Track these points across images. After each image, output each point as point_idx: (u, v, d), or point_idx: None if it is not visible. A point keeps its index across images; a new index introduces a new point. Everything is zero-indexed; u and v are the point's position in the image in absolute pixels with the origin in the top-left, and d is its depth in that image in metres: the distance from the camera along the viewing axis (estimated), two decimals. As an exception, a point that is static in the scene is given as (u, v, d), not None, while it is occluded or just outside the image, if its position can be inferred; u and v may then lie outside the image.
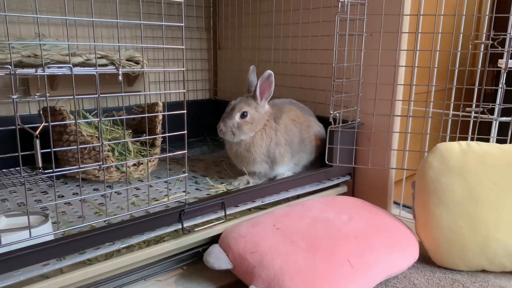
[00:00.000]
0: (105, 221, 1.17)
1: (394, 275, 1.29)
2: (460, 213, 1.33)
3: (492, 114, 1.49)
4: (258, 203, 1.45)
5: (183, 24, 1.08)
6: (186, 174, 1.20)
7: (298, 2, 1.92)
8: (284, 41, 2.03)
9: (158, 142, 1.73)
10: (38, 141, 0.89)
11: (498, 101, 1.46)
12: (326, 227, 1.30)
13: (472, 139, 1.51)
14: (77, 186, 1.62)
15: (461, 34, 1.44)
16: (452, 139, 1.54)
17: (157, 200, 1.47)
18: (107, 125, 1.73)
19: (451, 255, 1.35)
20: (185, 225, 1.24)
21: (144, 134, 1.78)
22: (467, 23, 1.46)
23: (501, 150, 1.36)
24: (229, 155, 1.68)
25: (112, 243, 1.11)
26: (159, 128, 1.72)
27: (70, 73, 0.92)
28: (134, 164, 1.64)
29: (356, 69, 1.60)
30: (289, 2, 1.96)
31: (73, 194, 1.55)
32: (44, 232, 1.05)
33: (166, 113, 1.14)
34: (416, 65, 1.48)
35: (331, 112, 1.56)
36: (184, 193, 1.22)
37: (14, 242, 0.93)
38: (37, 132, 0.89)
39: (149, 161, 1.69)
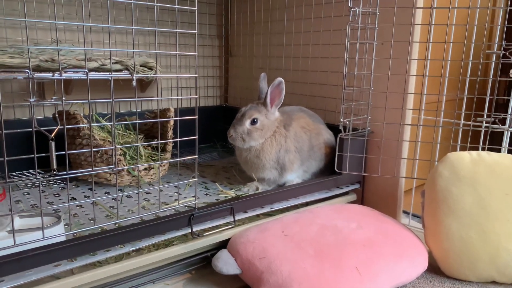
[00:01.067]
0: (115, 223, 1.18)
1: (402, 284, 1.28)
2: (470, 223, 1.32)
3: (504, 124, 1.49)
4: (267, 209, 1.45)
5: (196, 31, 1.10)
6: (196, 179, 1.21)
7: (309, 11, 1.94)
8: (295, 49, 2.05)
9: (169, 147, 1.75)
10: (53, 144, 0.91)
11: (510, 111, 1.45)
12: (334, 235, 1.30)
13: (483, 149, 1.50)
14: (89, 189, 1.64)
15: (473, 44, 1.44)
16: (463, 148, 1.53)
17: (167, 204, 1.48)
18: (119, 130, 1.75)
19: (461, 266, 1.33)
20: (194, 229, 1.25)
21: (156, 139, 1.80)
22: (479, 33, 1.46)
23: (511, 160, 1.35)
24: (238, 161, 1.70)
25: (122, 246, 1.13)
26: (170, 133, 1.74)
27: (86, 77, 0.95)
28: (145, 169, 1.67)
29: (367, 77, 1.61)
30: (301, 10, 1.98)
31: (85, 197, 1.57)
32: (57, 233, 1.07)
33: (178, 118, 1.16)
34: (427, 74, 1.48)
35: (341, 120, 1.57)
36: (194, 198, 1.23)
37: (27, 242, 0.95)
38: (52, 135, 0.91)
39: (160, 165, 1.71)
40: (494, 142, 1.51)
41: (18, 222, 1.13)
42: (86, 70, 0.93)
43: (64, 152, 0.93)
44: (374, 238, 1.31)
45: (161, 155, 1.75)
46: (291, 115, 1.69)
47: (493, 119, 1.46)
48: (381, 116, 1.58)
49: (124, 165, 1.55)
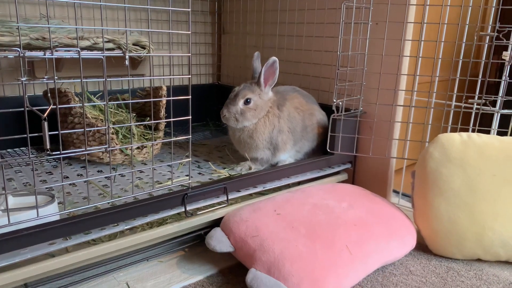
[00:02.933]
0: (109, 202, 1.19)
1: (390, 262, 1.32)
2: (458, 204, 1.35)
3: (494, 106, 1.50)
4: (259, 188, 1.47)
5: (189, 9, 1.08)
6: (190, 159, 1.22)
7: (304, -11, 1.91)
8: (289, 27, 2.03)
9: (162, 126, 1.75)
10: (46, 124, 0.90)
11: (500, 93, 1.47)
12: (326, 214, 1.33)
13: (473, 131, 1.52)
14: (82, 167, 1.64)
15: (467, 26, 1.44)
16: (454, 130, 1.55)
17: (161, 183, 1.49)
18: (111, 108, 1.74)
19: (448, 245, 1.37)
20: (188, 208, 1.26)
21: (148, 118, 1.79)
22: (473, 15, 1.46)
23: (501, 143, 1.37)
24: (232, 140, 1.70)
25: (116, 225, 1.14)
26: (162, 112, 1.73)
27: (78, 56, 0.93)
28: (138, 147, 1.66)
29: (361, 58, 1.61)
30: (295, -12, 1.95)
31: (78, 175, 1.57)
32: (51, 212, 1.07)
33: (171, 98, 1.15)
34: (420, 56, 1.48)
35: (334, 100, 1.57)
36: (187, 177, 1.23)
37: (22, 221, 0.96)
38: (45, 115, 0.90)
39: (152, 146, 1.70)
40: (484, 124, 1.53)
41: (12, 201, 1.13)
42: (79, 49, 0.92)
43: (57, 132, 0.92)
44: (365, 218, 1.33)
45: (154, 134, 1.74)
46: (284, 95, 1.69)
47: (483, 101, 1.48)
48: (374, 97, 1.59)
49: (116, 144, 1.55)
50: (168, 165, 1.61)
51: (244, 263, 1.22)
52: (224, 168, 1.69)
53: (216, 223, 1.35)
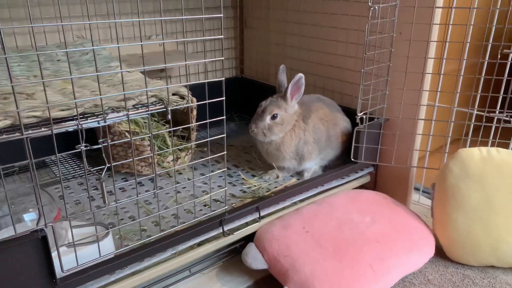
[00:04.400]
0: (155, 224, 1.32)
1: (410, 272, 1.44)
2: (475, 217, 1.44)
3: (515, 119, 1.55)
4: (288, 202, 1.59)
5: (221, 15, 1.12)
6: (226, 188, 1.33)
7: (327, -8, 1.92)
8: (312, 29, 2.05)
9: (194, 136, 1.85)
10: (104, 183, 1.02)
11: (521, 109, 1.51)
12: (351, 230, 1.45)
13: (493, 143, 1.58)
14: (123, 179, 1.78)
15: (490, 44, 1.46)
16: (474, 142, 1.61)
17: (197, 197, 1.62)
18: (145, 120, 1.85)
19: (464, 253, 1.49)
20: (225, 229, 1.40)
21: (181, 129, 1.89)
22: (496, 33, 1.47)
23: (519, 160, 1.44)
24: (260, 151, 1.80)
25: (165, 251, 1.29)
26: (193, 122, 1.83)
27: (127, 118, 1.03)
28: (173, 159, 1.78)
29: (384, 69, 1.65)
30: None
31: (120, 189, 1.71)
32: (107, 246, 1.22)
33: (206, 101, 1.19)
34: (442, 73, 1.52)
35: (358, 114, 1.64)
36: (222, 189, 1.34)
37: (89, 261, 1.11)
38: (102, 175, 1.02)
39: (187, 154, 1.82)
40: (504, 135, 1.59)
41: (72, 231, 1.28)
42: (127, 113, 1.02)
43: (109, 165, 1.04)
44: (387, 233, 1.45)
45: (185, 144, 1.85)
46: (309, 106, 1.76)
47: (505, 116, 1.52)
48: (397, 107, 1.65)
49: (155, 150, 1.66)
50: (205, 183, 1.73)
51: (278, 279, 1.37)
52: (254, 177, 1.81)
53: (250, 236, 1.49)
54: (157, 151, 1.78)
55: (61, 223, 1.26)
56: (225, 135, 1.28)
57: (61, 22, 0.84)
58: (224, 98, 1.21)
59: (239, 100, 2.58)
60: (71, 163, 1.96)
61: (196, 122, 1.71)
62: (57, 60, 1.53)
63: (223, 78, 1.20)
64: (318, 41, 2.02)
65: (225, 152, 1.29)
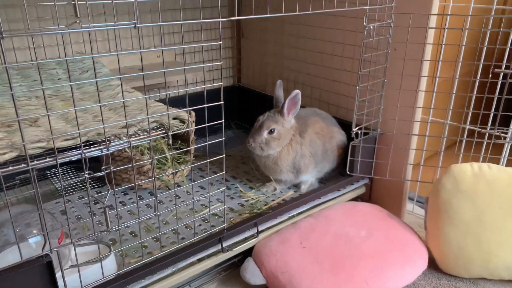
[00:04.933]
0: (156, 239, 1.36)
1: (404, 285, 1.49)
2: (467, 232, 1.49)
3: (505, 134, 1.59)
4: (285, 217, 1.63)
5: (220, 19, 1.13)
6: (225, 207, 1.37)
7: (323, 6, 1.94)
8: (309, 42, 2.08)
9: (192, 149, 1.88)
10: (107, 209, 1.05)
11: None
12: (346, 245, 1.49)
13: (484, 158, 1.63)
14: (122, 193, 1.81)
15: (481, 64, 1.50)
16: (466, 157, 1.66)
17: (196, 211, 1.65)
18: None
19: (456, 266, 1.53)
20: (224, 245, 1.44)
21: (179, 141, 1.92)
22: (488, 53, 1.51)
23: (508, 176, 1.48)
24: (258, 164, 1.84)
25: (166, 269, 1.32)
26: (192, 135, 1.86)
27: (129, 145, 1.07)
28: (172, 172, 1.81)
29: (379, 83, 1.68)
30: (316, 3, 1.98)
31: (120, 202, 1.74)
32: (110, 265, 1.26)
33: (205, 105, 1.19)
34: (435, 90, 1.56)
35: (353, 130, 1.68)
36: (223, 222, 1.38)
37: (92, 283, 1.14)
38: (105, 203, 1.05)
39: (186, 166, 1.85)
40: (495, 151, 1.63)
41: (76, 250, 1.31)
42: (129, 140, 1.05)
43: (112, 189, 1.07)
44: (382, 247, 1.49)
45: (184, 157, 1.88)
46: (306, 121, 1.79)
47: (497, 132, 1.57)
48: (391, 124, 1.69)
49: (155, 173, 1.70)
50: (204, 196, 1.76)
51: (275, 294, 1.41)
52: (252, 189, 1.84)
53: (249, 250, 1.53)
54: (156, 164, 1.81)
55: (65, 242, 1.29)
56: (223, 139, 1.28)
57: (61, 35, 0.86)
58: (222, 102, 1.22)
59: (236, 108, 2.61)
60: (71, 174, 1.98)
61: (195, 127, 1.72)
62: (58, 79, 1.55)
63: (222, 83, 1.22)
64: (315, 54, 2.05)
65: (223, 155, 1.29)
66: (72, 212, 1.67)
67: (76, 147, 1.04)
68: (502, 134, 1.58)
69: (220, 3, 1.16)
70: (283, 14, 1.27)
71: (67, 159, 0.99)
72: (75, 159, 0.99)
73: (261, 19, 2.31)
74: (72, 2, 0.84)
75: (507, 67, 1.46)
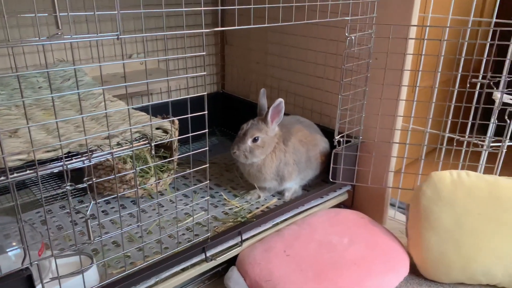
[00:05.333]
0: (139, 249, 1.35)
1: (386, 292, 1.51)
2: (447, 238, 1.52)
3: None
4: (269, 225, 1.63)
5: (203, 30, 1.13)
6: (208, 216, 1.37)
7: (305, 17, 1.96)
8: (293, 50, 2.10)
9: (175, 164, 1.87)
10: (89, 221, 1.04)
11: (489, 134, 1.60)
12: (330, 253, 1.50)
13: (463, 166, 1.67)
14: (105, 201, 1.79)
15: (459, 74, 1.54)
16: (445, 165, 1.69)
17: (180, 220, 1.65)
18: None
19: (437, 272, 1.56)
20: (208, 254, 1.43)
21: (162, 149, 1.91)
22: (466, 64, 1.56)
23: (486, 184, 1.52)
24: (242, 172, 1.84)
25: (149, 279, 1.31)
26: (176, 144, 1.85)
27: (111, 157, 1.06)
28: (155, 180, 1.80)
29: (361, 92, 1.71)
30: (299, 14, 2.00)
31: (102, 212, 1.72)
32: (92, 276, 1.24)
33: (188, 115, 1.19)
34: (415, 100, 1.59)
35: (336, 138, 1.70)
36: (205, 212, 1.37)
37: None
38: (88, 214, 1.04)
39: (169, 175, 1.84)
40: (472, 159, 1.67)
41: (57, 262, 1.29)
42: (111, 151, 1.04)
43: (94, 203, 1.06)
44: (364, 254, 1.51)
45: (167, 165, 1.87)
46: (289, 129, 1.81)
47: (475, 140, 1.61)
48: (373, 132, 1.71)
49: (137, 183, 1.68)
50: (187, 204, 1.75)
51: (259, 303, 1.41)
52: (236, 197, 1.84)
53: (232, 259, 1.53)
54: (139, 172, 1.80)
55: (45, 254, 1.27)
56: (207, 148, 1.28)
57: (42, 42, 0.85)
58: (206, 112, 1.21)
59: (220, 115, 2.61)
60: (52, 183, 1.95)
61: (178, 137, 1.72)
62: (38, 88, 1.53)
63: (205, 93, 1.22)
64: (298, 62, 2.07)
65: (207, 165, 1.29)
66: (53, 222, 1.64)
67: (57, 159, 1.02)
68: (479, 142, 1.62)
69: (203, 11, 1.16)
70: (266, 25, 1.27)
71: (48, 171, 0.97)
72: (57, 171, 0.98)
73: (246, 25, 2.34)
74: (54, 14, 0.83)
75: (483, 77, 1.51)
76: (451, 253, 1.52)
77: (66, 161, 1.01)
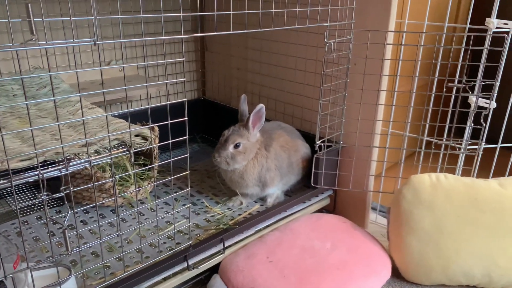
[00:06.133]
0: (119, 259, 1.32)
1: (369, 295, 1.52)
2: (427, 241, 1.54)
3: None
4: (252, 231, 1.62)
5: (182, 36, 1.12)
6: (190, 224, 1.35)
7: (284, 23, 1.98)
8: (272, 56, 2.10)
9: (155, 163, 1.85)
10: (66, 231, 1.02)
11: (465, 137, 1.63)
12: (312, 258, 1.50)
13: (441, 168, 1.70)
14: (83, 211, 1.75)
15: (436, 78, 1.57)
16: (424, 167, 1.72)
17: (161, 229, 1.62)
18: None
19: (418, 274, 1.57)
20: (190, 263, 1.41)
21: (142, 157, 1.89)
22: (442, 68, 1.59)
23: (464, 186, 1.55)
24: (223, 178, 1.83)
25: (129, 289, 1.28)
26: (156, 151, 1.83)
27: (89, 165, 1.03)
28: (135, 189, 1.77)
29: (341, 98, 1.73)
30: (278, 20, 2.01)
31: (81, 222, 1.68)
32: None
33: (169, 121, 1.17)
34: (394, 104, 1.62)
35: (316, 143, 1.71)
36: (186, 220, 1.35)
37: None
38: (65, 223, 1.01)
39: (149, 183, 1.82)
40: (450, 161, 1.70)
41: (33, 275, 1.25)
42: (89, 159, 1.02)
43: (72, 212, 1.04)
44: (346, 259, 1.51)
45: (148, 173, 1.84)
46: (271, 134, 1.81)
47: (452, 143, 1.64)
48: (353, 136, 1.73)
49: (116, 191, 1.65)
50: (168, 212, 1.73)
51: (243, 310, 1.39)
52: (218, 204, 1.83)
53: (214, 267, 1.51)
54: (118, 180, 1.77)
55: (21, 266, 1.22)
56: (187, 155, 1.26)
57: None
58: (186, 118, 1.20)
59: (201, 121, 2.60)
60: (28, 193, 1.90)
61: (158, 143, 1.70)
62: (13, 95, 1.49)
63: (185, 99, 1.21)
64: (278, 68, 2.08)
65: (188, 171, 1.27)
66: (29, 234, 1.60)
67: (33, 168, 1.00)
68: (456, 145, 1.65)
69: (182, 18, 1.15)
70: (246, 31, 1.27)
71: (23, 181, 0.94)
72: (32, 180, 0.95)
73: (226, 31, 2.34)
74: (28, 19, 0.81)
75: (459, 82, 1.54)
76: (431, 255, 1.53)
77: (42, 169, 0.98)
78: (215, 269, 1.52)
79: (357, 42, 1.60)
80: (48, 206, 1.76)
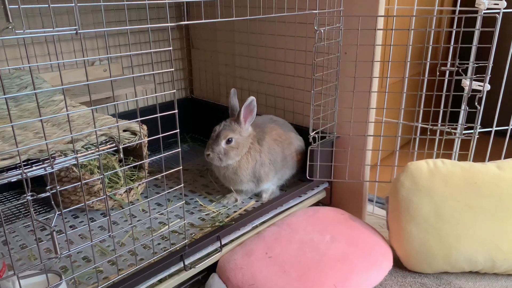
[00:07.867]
0: (111, 263, 1.26)
1: (372, 287, 1.48)
2: (427, 228, 1.51)
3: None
4: (249, 227, 1.58)
5: (169, 24, 1.08)
6: (185, 222, 1.30)
7: (273, 13, 1.94)
8: (260, 50, 2.06)
9: (146, 164, 1.79)
10: (55, 233, 0.96)
11: (460, 121, 1.61)
12: (312, 252, 1.46)
13: (437, 154, 1.67)
14: (72, 215, 1.68)
15: (428, 62, 1.55)
16: (420, 154, 1.70)
17: (154, 230, 1.56)
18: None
19: (419, 263, 1.54)
20: (186, 262, 1.36)
21: (131, 157, 1.83)
22: (434, 52, 1.57)
23: (462, 171, 1.52)
24: (217, 176, 1.78)
25: (124, 293, 1.23)
26: (145, 150, 1.77)
27: (76, 162, 0.98)
28: (125, 190, 1.71)
29: (333, 87, 1.70)
30: (266, 10, 1.97)
31: (70, 227, 1.62)
32: (62, 295, 1.14)
33: (158, 114, 1.13)
34: (387, 91, 1.59)
35: (310, 134, 1.67)
36: (184, 238, 1.31)
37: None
38: (53, 224, 0.96)
39: (140, 184, 1.76)
40: (447, 147, 1.68)
41: (21, 283, 1.18)
42: (76, 156, 0.96)
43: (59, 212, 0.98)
44: (346, 251, 1.48)
45: (138, 174, 1.79)
46: (263, 128, 1.76)
47: (448, 128, 1.62)
48: (347, 126, 1.70)
49: (106, 192, 1.59)
50: (161, 213, 1.68)
51: (243, 309, 1.35)
52: (212, 202, 1.78)
53: (212, 266, 1.46)
54: (108, 183, 1.71)
55: (8, 274, 1.16)
56: (179, 149, 1.21)
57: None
58: (176, 110, 1.15)
59: (190, 121, 2.54)
60: (13, 201, 1.82)
61: (148, 138, 1.64)
62: (-7, 97, 1.42)
63: (174, 90, 1.16)
64: (267, 61, 2.04)
65: (181, 167, 1.22)
66: (15, 242, 1.52)
67: (15, 167, 0.94)
68: (452, 130, 1.63)
69: (168, 14, 1.11)
70: (233, 18, 1.23)
71: (5, 181, 0.88)
72: (15, 179, 0.89)
73: (211, 28, 2.30)
74: (2, 6, 0.76)
75: (452, 65, 1.52)
76: (432, 243, 1.50)
77: (25, 168, 0.92)
78: (212, 268, 1.47)
79: (347, 29, 1.56)
80: (34, 212, 1.69)
